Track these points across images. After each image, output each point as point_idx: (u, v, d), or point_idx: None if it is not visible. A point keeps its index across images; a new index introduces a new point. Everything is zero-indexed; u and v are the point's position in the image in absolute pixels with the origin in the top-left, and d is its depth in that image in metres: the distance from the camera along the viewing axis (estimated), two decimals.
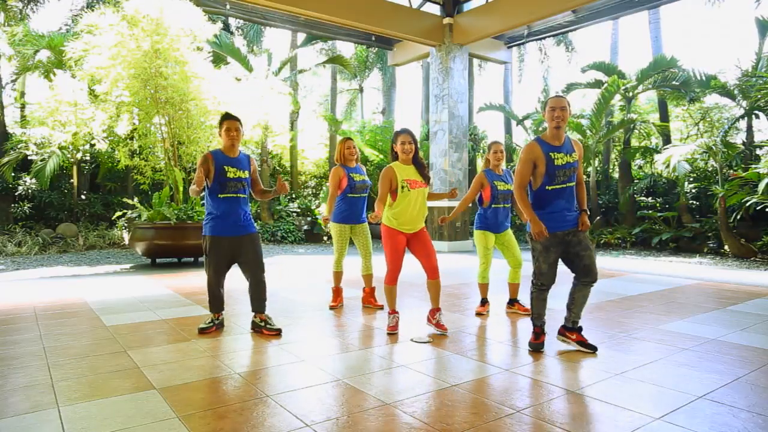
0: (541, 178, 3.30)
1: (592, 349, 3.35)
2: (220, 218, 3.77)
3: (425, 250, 3.87)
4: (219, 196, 3.76)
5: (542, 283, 3.42)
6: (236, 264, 3.94)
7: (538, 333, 3.48)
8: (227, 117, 3.85)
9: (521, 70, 20.80)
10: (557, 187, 3.29)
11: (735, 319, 4.34)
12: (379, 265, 4.97)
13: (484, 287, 4.61)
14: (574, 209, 3.38)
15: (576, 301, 3.41)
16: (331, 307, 4.79)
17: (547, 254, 3.35)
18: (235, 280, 4.08)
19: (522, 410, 2.43)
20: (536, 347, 3.43)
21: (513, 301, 4.67)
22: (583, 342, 3.39)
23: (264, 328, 3.87)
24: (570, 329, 3.46)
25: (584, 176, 3.59)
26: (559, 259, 3.41)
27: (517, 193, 3.33)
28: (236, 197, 3.80)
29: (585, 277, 3.35)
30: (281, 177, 3.73)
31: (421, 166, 3.88)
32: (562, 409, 2.46)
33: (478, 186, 4.50)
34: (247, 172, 3.87)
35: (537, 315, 3.48)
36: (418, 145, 3.91)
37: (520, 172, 3.32)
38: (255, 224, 3.97)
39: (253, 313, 3.96)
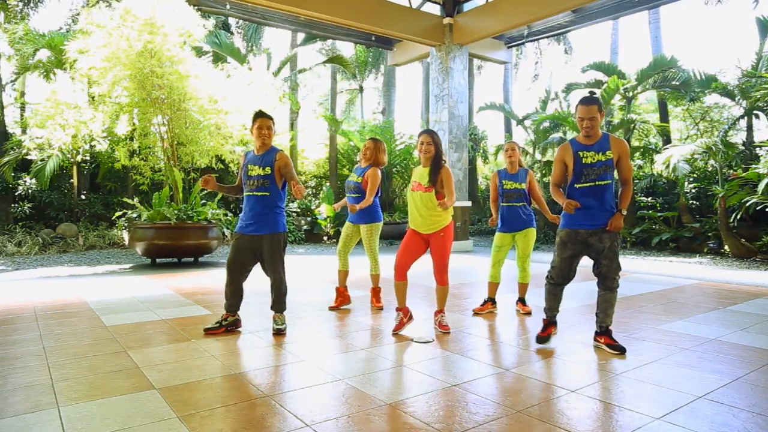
0: (571, 176, 3.36)
1: (620, 351, 3.32)
2: (243, 216, 3.86)
3: (434, 254, 3.87)
4: (244, 193, 3.88)
5: (552, 276, 3.44)
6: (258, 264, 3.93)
7: (546, 324, 3.51)
8: (259, 115, 3.84)
9: (527, 68, 20.81)
10: (585, 185, 3.30)
11: (735, 319, 4.34)
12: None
13: (490, 286, 4.62)
14: (608, 209, 3.30)
15: (599, 306, 3.43)
16: (331, 308, 4.78)
17: (563, 248, 3.37)
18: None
19: (522, 410, 2.43)
20: (541, 340, 3.45)
21: (519, 300, 4.71)
22: (610, 344, 3.38)
23: (273, 328, 3.90)
24: (599, 333, 3.47)
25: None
26: (580, 259, 3.41)
27: (551, 189, 3.48)
28: (254, 195, 3.79)
29: (601, 282, 3.37)
30: (295, 182, 3.69)
31: (433, 170, 3.78)
32: (562, 409, 2.45)
33: (493, 185, 4.63)
34: (268, 168, 3.75)
35: (548, 307, 3.52)
36: (441, 148, 3.85)
37: (553, 171, 3.48)
38: (279, 224, 3.85)
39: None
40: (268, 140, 3.81)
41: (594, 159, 3.28)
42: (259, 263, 3.91)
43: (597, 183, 3.28)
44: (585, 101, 3.28)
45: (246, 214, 3.83)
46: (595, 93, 3.37)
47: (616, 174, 3.42)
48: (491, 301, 4.63)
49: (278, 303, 3.92)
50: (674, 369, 3.02)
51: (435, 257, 3.86)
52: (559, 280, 3.42)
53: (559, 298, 3.49)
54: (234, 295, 3.91)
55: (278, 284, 3.89)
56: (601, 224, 3.28)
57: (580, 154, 3.30)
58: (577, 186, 3.33)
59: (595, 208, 3.28)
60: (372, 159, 4.69)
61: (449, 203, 3.62)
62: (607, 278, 3.32)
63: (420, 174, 3.85)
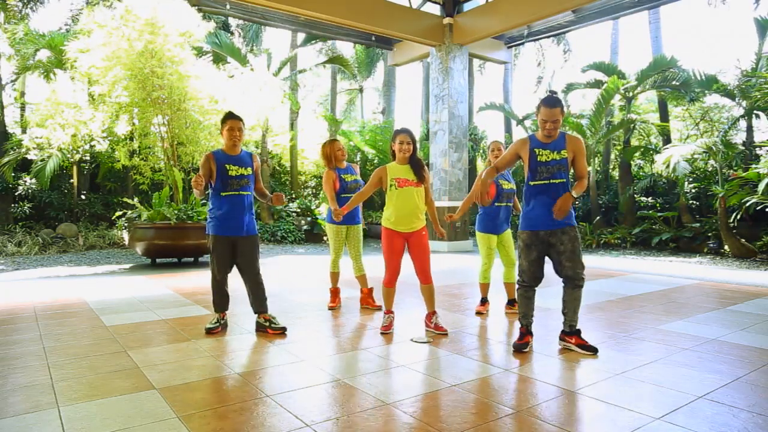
0: (527, 173, 3.36)
1: (593, 351, 3.32)
2: (222, 217, 3.78)
3: (419, 252, 3.85)
4: (222, 194, 3.78)
5: (523, 280, 3.43)
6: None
7: (523, 333, 3.46)
8: (230, 116, 3.86)
9: (528, 68, 20.78)
10: (540, 183, 3.31)
11: (735, 319, 4.34)
12: (379, 265, 4.96)
13: (484, 287, 4.62)
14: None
15: (566, 305, 3.40)
16: (330, 308, 4.80)
17: (528, 251, 3.37)
18: (236, 281, 4.09)
19: (522, 410, 2.43)
20: (518, 347, 3.39)
21: (512, 302, 4.68)
22: (582, 344, 3.37)
23: (269, 328, 3.88)
24: (568, 333, 3.44)
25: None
26: (545, 259, 3.40)
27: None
28: (239, 195, 3.80)
29: (569, 282, 3.36)
30: (280, 193, 3.83)
31: (418, 166, 3.83)
32: (562, 409, 2.45)
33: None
34: (249, 169, 3.87)
35: (522, 314, 3.47)
36: (417, 146, 3.89)
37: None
38: (256, 225, 3.97)
39: (256, 314, 3.96)
40: (239, 141, 3.85)
41: (549, 157, 3.28)
42: (236, 264, 3.93)
43: (551, 181, 3.29)
44: (548, 103, 3.22)
45: (226, 215, 3.78)
46: (555, 93, 3.35)
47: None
48: (486, 300, 4.66)
49: (265, 302, 3.94)
50: (674, 369, 3.02)
51: (418, 256, 3.85)
52: (531, 282, 3.42)
53: (533, 302, 3.47)
54: (227, 294, 3.98)
55: (262, 284, 3.93)
56: (557, 225, 3.29)
57: (536, 151, 3.31)
58: (531, 184, 3.35)
59: (549, 207, 3.28)
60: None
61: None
62: (575, 278, 3.32)
63: (400, 170, 3.83)
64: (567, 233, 3.29)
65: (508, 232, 4.58)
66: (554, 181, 3.29)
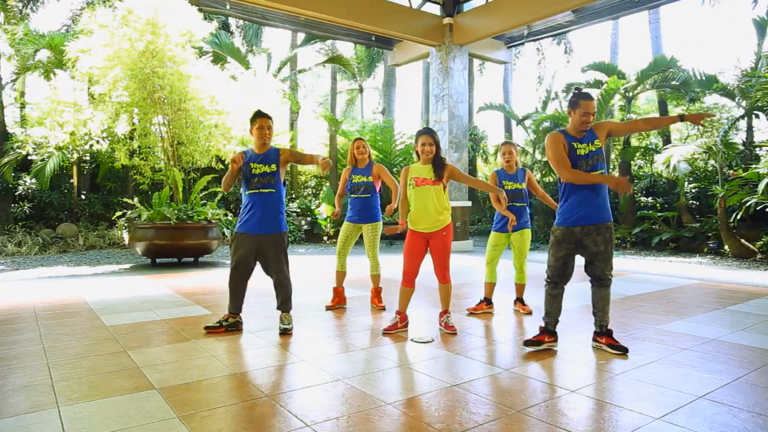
0: None
1: (623, 351, 3.30)
2: (246, 215, 3.83)
3: (437, 252, 3.84)
4: (246, 192, 3.84)
5: (549, 276, 3.42)
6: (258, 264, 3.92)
7: (541, 330, 3.45)
8: (259, 114, 3.87)
9: (528, 68, 20.77)
10: None
11: (735, 319, 4.34)
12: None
13: (487, 286, 4.63)
14: (603, 198, 3.28)
15: (596, 305, 3.40)
16: (327, 308, 4.78)
17: (558, 247, 3.34)
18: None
19: (522, 410, 2.43)
20: (529, 343, 3.39)
21: (517, 300, 4.72)
22: (612, 344, 3.36)
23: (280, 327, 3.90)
24: (599, 333, 3.44)
25: None
26: (575, 257, 3.38)
27: (568, 176, 3.21)
28: (260, 192, 3.80)
29: (595, 281, 3.36)
30: (314, 156, 3.80)
31: (439, 165, 3.79)
32: (562, 409, 2.45)
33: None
34: (274, 165, 3.82)
35: (546, 312, 3.45)
36: (440, 146, 3.87)
37: (555, 157, 3.24)
38: (284, 223, 3.92)
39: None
40: (269, 140, 3.86)
41: (587, 150, 3.28)
42: (259, 263, 3.91)
43: (592, 173, 3.28)
44: (587, 96, 3.28)
45: (249, 213, 3.80)
46: (580, 89, 3.39)
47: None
48: (486, 301, 4.63)
49: (287, 302, 3.92)
50: (674, 369, 3.02)
51: (437, 255, 3.85)
52: (556, 279, 3.39)
53: (559, 301, 3.42)
54: (240, 296, 3.93)
55: (286, 284, 3.90)
56: (595, 221, 3.25)
57: (575, 145, 3.29)
58: None
59: (590, 202, 3.25)
60: (368, 157, 4.76)
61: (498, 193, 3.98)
62: (601, 278, 3.33)
63: (420, 170, 3.82)
64: (602, 234, 3.26)
65: (523, 233, 4.51)
66: (594, 173, 3.28)
